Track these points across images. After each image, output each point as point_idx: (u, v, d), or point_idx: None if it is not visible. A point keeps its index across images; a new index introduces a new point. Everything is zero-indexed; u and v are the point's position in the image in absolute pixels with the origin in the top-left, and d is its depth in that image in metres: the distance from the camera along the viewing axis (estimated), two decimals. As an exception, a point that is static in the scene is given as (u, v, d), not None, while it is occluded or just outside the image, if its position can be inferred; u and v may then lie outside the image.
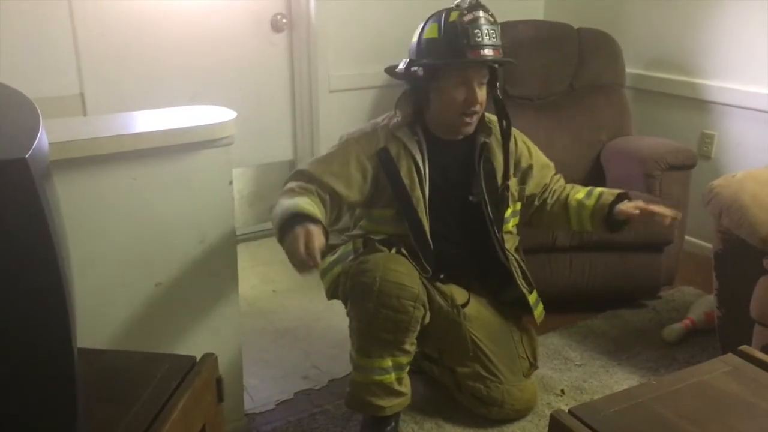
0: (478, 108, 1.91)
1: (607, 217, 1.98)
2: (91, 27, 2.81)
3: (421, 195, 1.91)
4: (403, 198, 1.91)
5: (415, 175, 1.91)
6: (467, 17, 1.83)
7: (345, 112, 3.41)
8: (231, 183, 1.87)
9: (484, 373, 2.00)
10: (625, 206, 1.94)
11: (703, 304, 2.62)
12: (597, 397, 1.59)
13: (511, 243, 2.08)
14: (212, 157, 1.81)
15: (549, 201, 2.10)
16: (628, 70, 3.25)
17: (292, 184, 1.87)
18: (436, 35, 1.86)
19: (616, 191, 2.02)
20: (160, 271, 1.79)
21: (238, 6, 3.17)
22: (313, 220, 1.69)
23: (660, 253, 2.73)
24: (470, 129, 1.96)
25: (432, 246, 1.93)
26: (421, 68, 1.89)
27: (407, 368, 1.93)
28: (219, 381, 1.30)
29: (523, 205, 2.12)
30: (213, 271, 1.89)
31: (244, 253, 3.22)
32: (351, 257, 1.95)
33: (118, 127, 1.77)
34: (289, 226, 1.67)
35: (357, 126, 2.07)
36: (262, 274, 3.12)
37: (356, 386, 1.92)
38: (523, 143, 2.11)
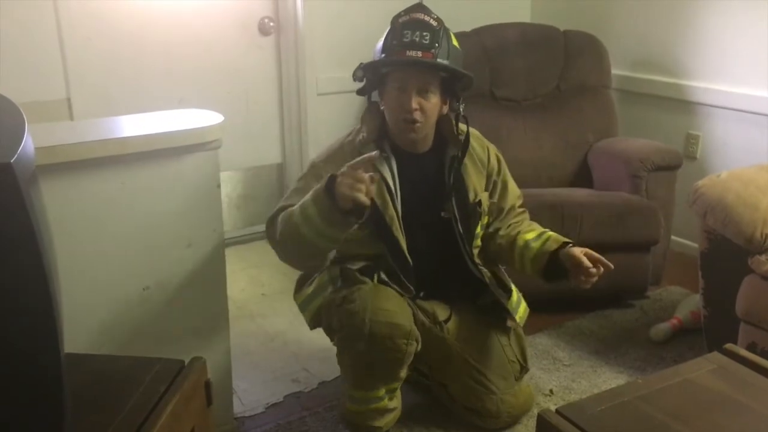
0: (416, 116, 1.79)
1: (546, 264, 1.84)
2: (78, 31, 2.80)
3: (394, 213, 1.85)
4: (376, 218, 1.83)
5: (386, 193, 1.84)
6: (402, 18, 1.78)
7: (333, 114, 3.41)
8: (219, 186, 1.87)
9: (475, 386, 1.96)
10: (574, 250, 1.77)
11: (689, 304, 2.64)
12: (585, 397, 1.60)
13: (482, 256, 2.03)
14: (200, 161, 1.81)
15: (501, 233, 2.00)
16: (614, 71, 3.28)
17: (282, 216, 1.77)
18: (381, 39, 1.83)
19: (563, 239, 1.88)
20: (148, 275, 1.79)
21: (226, 10, 3.17)
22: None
23: (647, 253, 2.75)
24: (414, 136, 1.85)
25: (411, 263, 1.88)
26: (360, 71, 1.85)
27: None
28: (208, 384, 1.30)
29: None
30: (201, 274, 1.88)
31: (233, 256, 3.21)
32: (329, 289, 1.88)
33: (105, 132, 1.77)
34: (326, 194, 1.59)
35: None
36: (251, 277, 3.12)
37: (352, 414, 1.90)
38: (495, 158, 2.03)
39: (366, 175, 1.57)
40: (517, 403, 2.02)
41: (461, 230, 1.90)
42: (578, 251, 1.77)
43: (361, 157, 1.61)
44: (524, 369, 2.06)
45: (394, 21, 1.80)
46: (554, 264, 1.83)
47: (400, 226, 1.86)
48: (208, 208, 1.86)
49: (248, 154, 3.43)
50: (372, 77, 1.87)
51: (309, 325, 2.00)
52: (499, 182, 2.02)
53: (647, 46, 3.37)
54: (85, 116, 2.82)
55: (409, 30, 1.75)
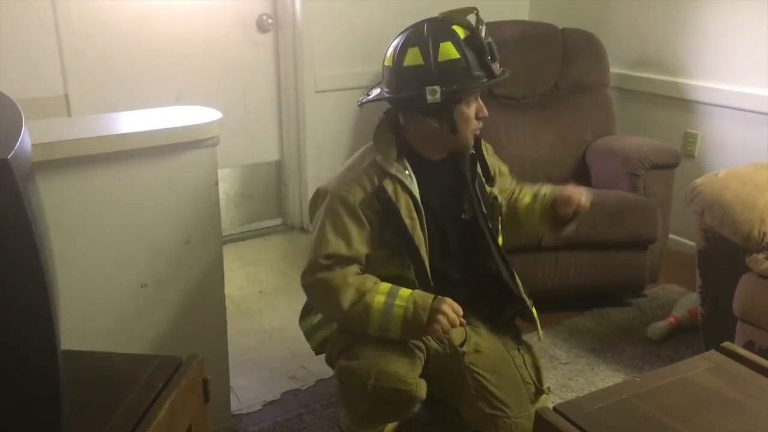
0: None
1: (552, 216, 1.91)
2: (76, 28, 2.79)
3: (422, 234, 1.78)
4: (405, 239, 1.76)
5: (415, 213, 1.77)
6: (484, 31, 1.74)
7: (331, 112, 3.42)
8: (217, 183, 1.87)
9: (488, 410, 1.84)
10: (559, 197, 1.88)
11: (687, 302, 2.64)
12: (582, 395, 1.60)
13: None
14: (198, 158, 1.81)
15: (503, 209, 2.00)
16: (613, 70, 3.28)
17: (336, 276, 1.70)
18: (456, 55, 1.71)
19: (557, 190, 1.92)
20: (145, 272, 1.79)
21: (224, 7, 3.17)
22: (432, 297, 1.68)
23: (644, 252, 2.75)
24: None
25: (432, 285, 1.79)
26: (441, 92, 1.71)
27: None
28: (205, 382, 1.30)
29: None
30: (199, 271, 1.88)
31: (231, 253, 3.21)
32: (336, 323, 1.83)
33: (102, 128, 1.77)
34: (420, 316, 1.66)
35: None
36: (248, 275, 3.12)
37: None
38: (492, 152, 2.01)
39: (458, 322, 1.66)
40: (531, 427, 1.86)
41: (489, 225, 1.85)
42: (559, 195, 1.87)
43: (459, 312, 1.67)
44: (539, 391, 1.93)
45: (479, 34, 1.73)
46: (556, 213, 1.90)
47: (427, 248, 1.79)
48: (206, 206, 1.86)
49: (246, 151, 3.43)
50: (446, 97, 1.74)
51: (315, 352, 1.95)
52: (497, 171, 2.00)
53: (645, 44, 3.37)
54: (83, 113, 2.82)
55: (493, 43, 1.76)
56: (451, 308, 1.66)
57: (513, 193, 2.03)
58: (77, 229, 1.65)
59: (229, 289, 2.06)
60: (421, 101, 1.72)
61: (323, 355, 1.90)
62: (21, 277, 0.84)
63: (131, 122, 1.84)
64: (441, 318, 1.64)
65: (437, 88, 1.71)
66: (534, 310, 1.94)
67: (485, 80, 1.75)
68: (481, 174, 1.92)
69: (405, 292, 1.70)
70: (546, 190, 1.96)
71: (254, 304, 2.86)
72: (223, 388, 2.04)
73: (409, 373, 1.70)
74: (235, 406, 2.15)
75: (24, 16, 2.66)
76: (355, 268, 1.73)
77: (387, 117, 1.85)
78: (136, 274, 1.78)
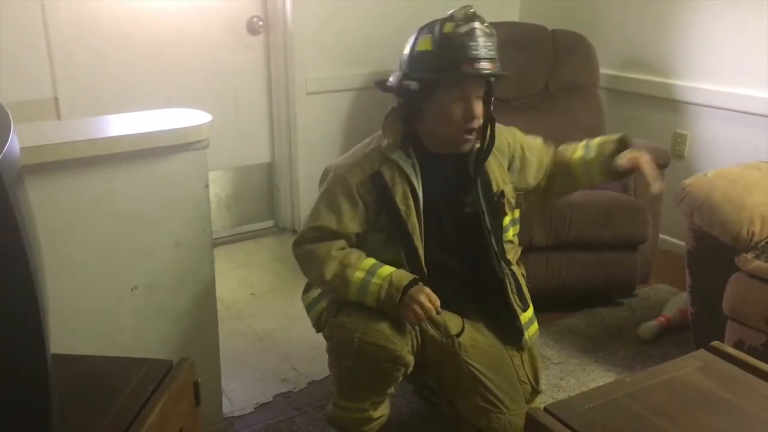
0: (476, 123, 1.79)
1: (609, 167, 1.96)
2: (65, 30, 2.78)
3: (417, 222, 1.80)
4: (398, 225, 1.80)
5: (411, 200, 1.80)
6: (463, 28, 1.72)
7: (322, 114, 3.42)
8: (207, 186, 1.87)
9: (483, 404, 1.86)
10: (623, 161, 1.93)
11: (677, 302, 2.66)
12: (574, 395, 1.60)
13: (513, 254, 1.98)
14: (188, 161, 1.80)
15: (554, 174, 2.06)
16: (603, 71, 3.29)
17: (322, 248, 1.79)
18: (429, 48, 1.76)
19: (615, 138, 1.99)
20: (136, 275, 1.78)
21: (214, 9, 3.16)
22: (410, 278, 1.72)
23: (635, 252, 2.76)
24: (469, 145, 1.84)
25: (426, 273, 1.82)
26: (414, 83, 1.77)
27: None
28: (196, 385, 1.30)
29: (534, 196, 2.05)
30: (190, 274, 1.88)
31: (223, 256, 3.21)
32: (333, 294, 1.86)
33: (92, 131, 1.76)
34: (393, 296, 1.70)
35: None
36: (240, 277, 3.11)
37: (335, 417, 1.89)
38: (514, 139, 2.02)
39: (435, 312, 1.70)
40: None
41: (488, 224, 1.86)
42: (627, 161, 1.91)
43: (436, 303, 1.71)
44: (536, 391, 1.96)
45: (454, 30, 1.73)
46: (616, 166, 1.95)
47: (421, 236, 1.82)
48: (196, 208, 1.86)
49: (237, 154, 3.43)
50: (418, 87, 1.78)
51: (315, 328, 1.97)
52: (529, 156, 2.02)
53: (635, 45, 3.39)
54: (73, 116, 2.81)
55: (475, 41, 1.73)
56: (428, 299, 1.70)
57: (556, 157, 2.08)
58: (66, 232, 1.65)
59: (220, 291, 2.06)
60: (401, 89, 1.80)
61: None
62: (9, 280, 0.84)
63: (121, 125, 1.83)
64: (416, 308, 1.69)
65: (399, 74, 1.81)
66: (525, 317, 1.92)
67: (439, 77, 1.76)
68: (490, 171, 1.90)
69: (385, 270, 1.75)
70: (601, 140, 2.03)
71: (246, 307, 2.86)
72: (215, 391, 2.03)
73: (395, 335, 1.75)
74: (226, 408, 2.15)
75: (13, 19, 2.65)
76: (340, 243, 1.80)
77: (399, 105, 1.87)
78: (126, 278, 1.77)
